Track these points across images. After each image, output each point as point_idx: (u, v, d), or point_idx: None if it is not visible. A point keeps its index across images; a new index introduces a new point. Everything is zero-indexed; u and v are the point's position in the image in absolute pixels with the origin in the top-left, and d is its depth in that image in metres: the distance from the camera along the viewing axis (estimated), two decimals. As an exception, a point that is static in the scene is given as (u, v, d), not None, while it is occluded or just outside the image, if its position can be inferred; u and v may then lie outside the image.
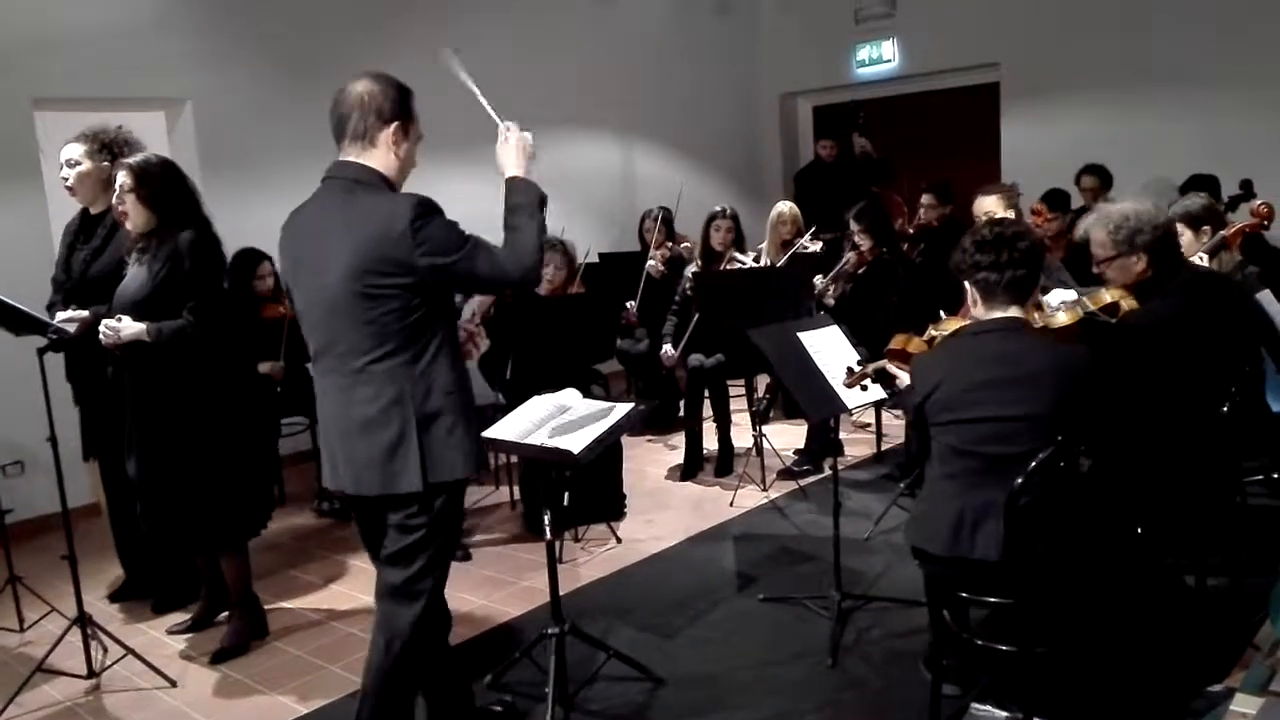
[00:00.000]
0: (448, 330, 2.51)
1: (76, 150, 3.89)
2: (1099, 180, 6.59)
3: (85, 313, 3.67)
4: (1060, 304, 3.11)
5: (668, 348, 5.57)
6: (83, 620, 3.53)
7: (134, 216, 3.47)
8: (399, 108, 2.48)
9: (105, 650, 3.60)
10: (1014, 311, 2.69)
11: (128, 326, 3.39)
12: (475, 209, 7.44)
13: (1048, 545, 2.50)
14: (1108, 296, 3.13)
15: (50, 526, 4.78)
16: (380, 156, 2.47)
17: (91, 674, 3.54)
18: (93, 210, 3.95)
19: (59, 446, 3.52)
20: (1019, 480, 2.41)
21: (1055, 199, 6.32)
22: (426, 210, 2.38)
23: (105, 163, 3.84)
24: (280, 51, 6.10)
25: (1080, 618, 2.62)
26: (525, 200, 2.53)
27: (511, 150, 2.62)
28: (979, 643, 2.65)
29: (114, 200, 3.59)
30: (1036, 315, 3.05)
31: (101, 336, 3.42)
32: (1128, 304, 3.10)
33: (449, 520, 2.56)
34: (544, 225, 2.54)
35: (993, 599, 2.62)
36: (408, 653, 2.55)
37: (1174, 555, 3.24)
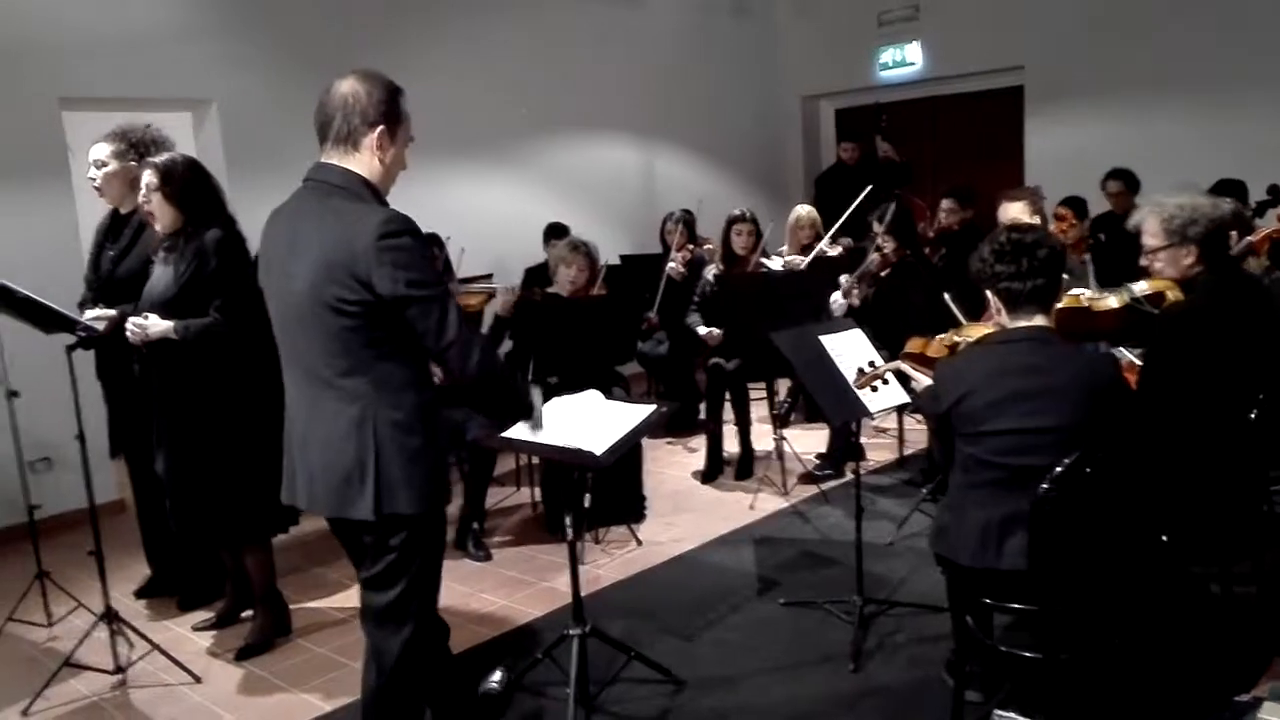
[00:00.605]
0: (419, 352, 2.34)
1: (104, 150, 3.93)
2: (1125, 185, 6.55)
3: (113, 311, 3.70)
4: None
5: (705, 329, 5.50)
6: (109, 616, 3.57)
7: (160, 216, 3.50)
8: (385, 110, 2.34)
9: (131, 646, 3.64)
10: (1039, 319, 2.67)
11: (154, 324, 3.42)
12: (489, 212, 7.45)
13: (1073, 552, 2.48)
14: (1156, 285, 3.09)
15: (76, 523, 4.82)
16: (364, 161, 2.34)
17: (118, 669, 3.57)
18: (121, 210, 3.99)
19: (86, 443, 3.55)
20: (1044, 488, 2.39)
21: (1076, 205, 6.29)
22: (397, 230, 2.22)
23: (132, 162, 3.87)
24: (305, 52, 6.14)
25: (1105, 625, 2.60)
26: (514, 398, 2.58)
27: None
28: (1003, 649, 2.63)
29: (140, 200, 3.62)
30: (1084, 297, 3.03)
31: (128, 334, 3.46)
32: (1174, 295, 3.07)
33: (426, 542, 2.44)
34: (508, 401, 2.58)
35: (1017, 606, 2.60)
36: (402, 677, 2.47)
37: (1201, 563, 3.21)
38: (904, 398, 3.49)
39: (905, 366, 3.19)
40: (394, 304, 2.23)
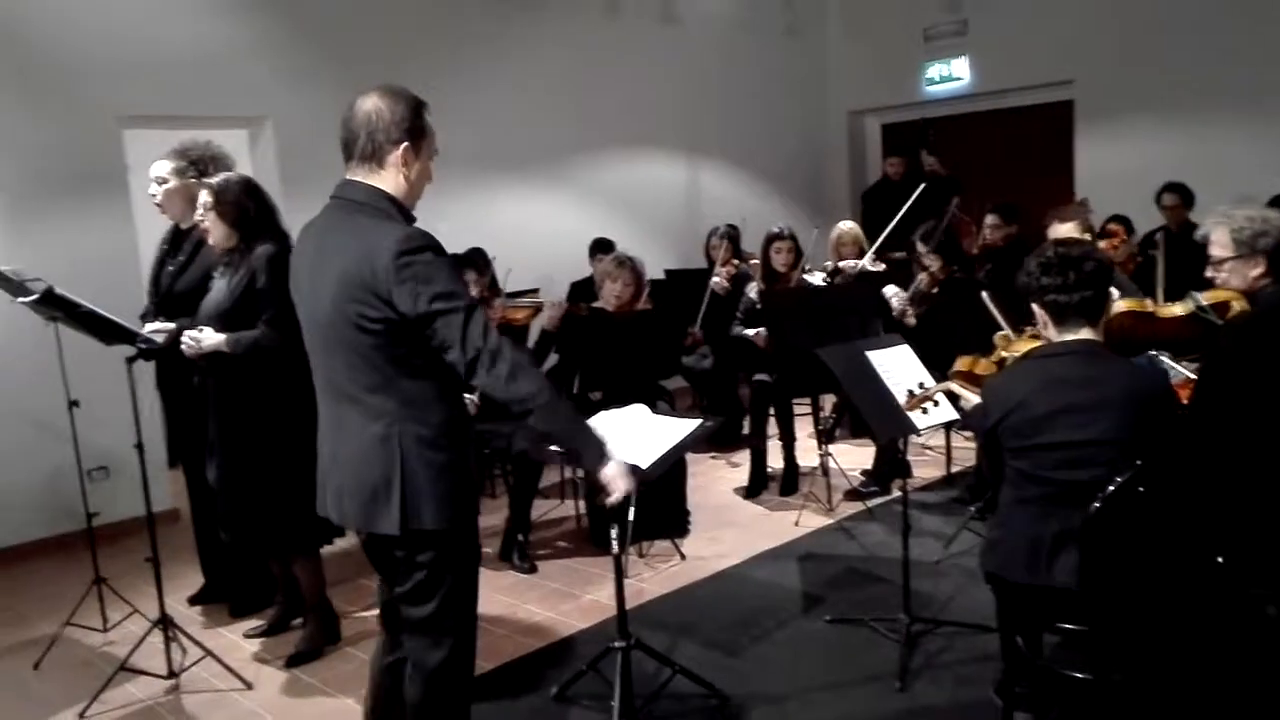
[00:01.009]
0: (445, 367, 2.30)
1: (165, 168, 4.04)
2: (1181, 199, 6.46)
3: (172, 324, 3.80)
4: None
5: (752, 330, 5.50)
6: (165, 622, 3.65)
7: (215, 233, 3.59)
8: (409, 125, 2.33)
9: (185, 651, 3.71)
10: (1086, 333, 2.65)
11: (208, 337, 3.51)
12: (536, 227, 7.51)
13: (1126, 571, 2.45)
14: (1220, 295, 3.06)
15: (130, 530, 4.95)
16: (389, 178, 2.34)
17: (171, 674, 3.65)
18: (182, 225, 4.10)
19: (145, 453, 3.64)
20: (1096, 506, 2.37)
21: (1127, 221, 6.22)
22: (416, 246, 2.21)
23: (192, 179, 3.97)
24: (359, 70, 6.23)
25: (1159, 646, 2.55)
26: (573, 432, 2.44)
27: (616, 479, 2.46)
28: (1053, 669, 2.60)
29: (196, 217, 3.72)
30: (1149, 302, 3.00)
31: (184, 347, 3.54)
32: (1239, 306, 3.03)
33: (456, 558, 2.43)
34: (550, 430, 2.42)
35: (1068, 626, 2.57)
36: (442, 692, 2.46)
37: (1258, 585, 3.14)
38: (952, 414, 3.47)
39: (955, 386, 3.17)
40: (418, 321, 2.22)
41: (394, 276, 2.18)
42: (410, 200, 2.40)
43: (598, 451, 2.42)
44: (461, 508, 2.41)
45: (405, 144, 2.33)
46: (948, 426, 4.78)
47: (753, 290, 5.69)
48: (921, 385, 3.41)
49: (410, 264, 2.19)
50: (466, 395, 2.48)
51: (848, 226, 6.14)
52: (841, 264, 5.96)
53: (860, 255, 5.91)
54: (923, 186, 6.11)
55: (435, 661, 2.43)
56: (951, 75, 8.75)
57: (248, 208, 3.57)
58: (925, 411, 3.34)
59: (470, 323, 2.22)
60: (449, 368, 2.30)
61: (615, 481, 2.43)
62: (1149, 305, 3.07)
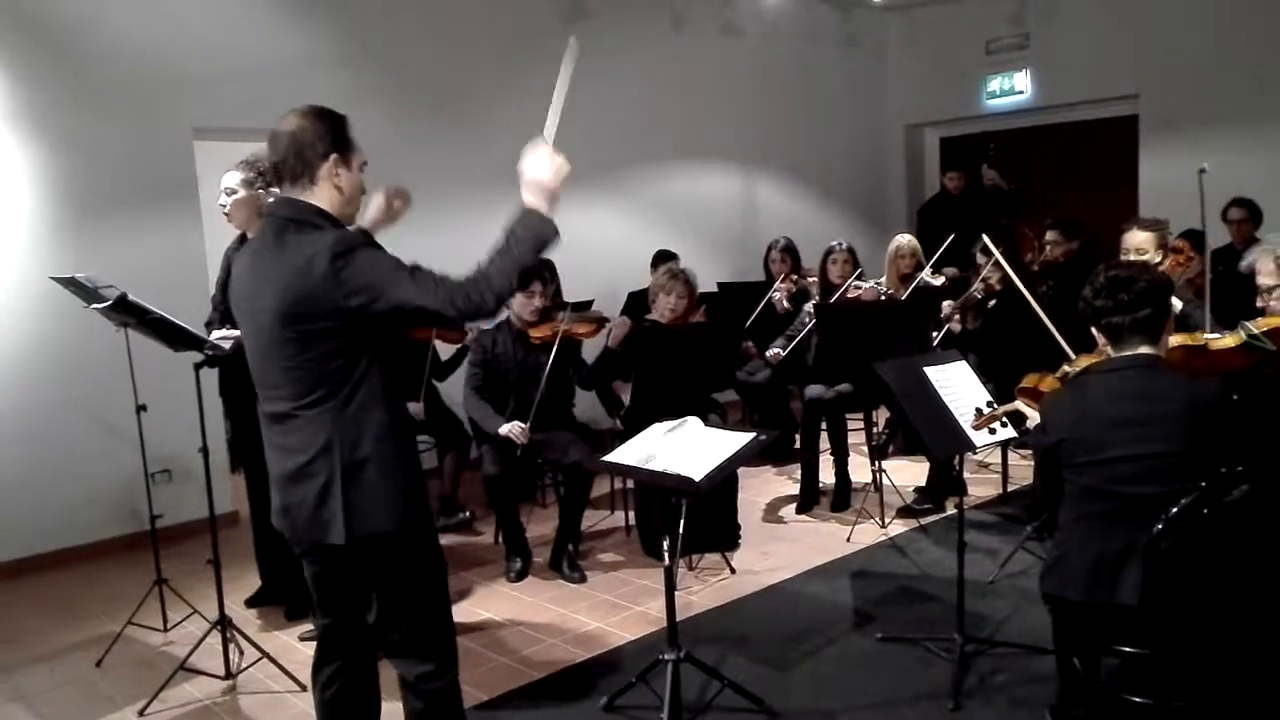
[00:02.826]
0: (384, 371, 2.36)
1: (234, 179, 4.13)
2: (1248, 213, 6.30)
3: (237, 331, 3.88)
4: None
5: (776, 350, 5.55)
6: (223, 623, 3.72)
7: None
8: (333, 139, 2.38)
9: (242, 653, 3.78)
10: (1146, 349, 2.65)
11: None
12: (594, 239, 7.51)
13: (1191, 591, 2.39)
14: (1273, 322, 3.01)
15: (192, 532, 5.07)
16: (322, 193, 2.37)
17: (229, 675, 3.72)
18: (249, 235, 4.18)
19: (209, 457, 3.73)
20: (1160, 525, 2.32)
21: (1195, 238, 6.06)
22: (347, 248, 2.24)
23: (260, 190, 4.06)
24: (423, 84, 6.38)
25: (1222, 671, 2.49)
26: (526, 236, 2.27)
27: (544, 168, 2.33)
28: (1111, 693, 2.54)
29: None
30: (1200, 334, 2.98)
31: (248, 354, 3.61)
32: None
33: (412, 566, 2.44)
34: (529, 265, 2.30)
35: (1128, 649, 2.52)
36: (446, 702, 2.57)
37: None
38: (1010, 433, 3.42)
39: (1022, 406, 3.14)
40: (377, 318, 2.24)
41: (333, 281, 2.21)
42: (345, 211, 2.42)
43: (537, 218, 2.29)
44: (411, 509, 2.40)
45: (334, 155, 2.37)
46: (1004, 444, 4.71)
47: (809, 306, 5.68)
48: (991, 404, 3.38)
49: (344, 266, 2.21)
50: (411, 404, 2.46)
51: (905, 240, 6.09)
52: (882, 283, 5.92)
53: (919, 269, 5.87)
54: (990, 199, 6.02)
55: (424, 674, 2.50)
56: (1013, 89, 8.66)
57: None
58: (993, 431, 3.31)
59: (420, 282, 2.21)
60: (390, 370, 2.36)
61: (545, 176, 2.32)
62: (1200, 338, 3.04)
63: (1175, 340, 3.16)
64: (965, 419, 3.37)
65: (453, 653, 2.57)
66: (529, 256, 2.27)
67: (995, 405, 3.34)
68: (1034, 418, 3.01)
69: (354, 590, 2.49)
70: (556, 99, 2.45)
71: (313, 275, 2.22)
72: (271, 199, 3.65)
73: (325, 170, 2.37)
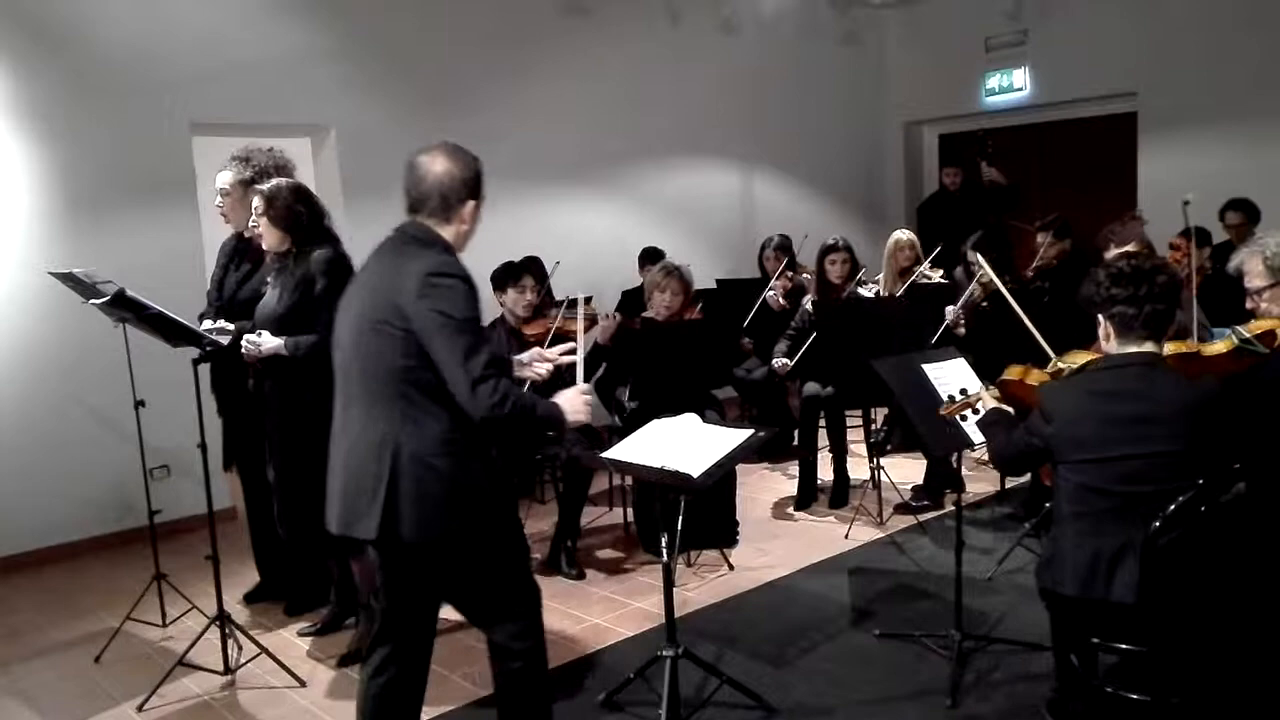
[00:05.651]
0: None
1: (227, 178, 4.14)
2: (1245, 215, 6.29)
3: (231, 325, 3.89)
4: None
5: (783, 360, 5.51)
6: (222, 619, 3.72)
7: (268, 238, 3.69)
8: (475, 185, 2.56)
9: (240, 648, 3.78)
10: (1149, 347, 2.62)
11: (267, 341, 3.59)
12: (587, 235, 7.54)
13: (1187, 589, 2.40)
14: (1264, 325, 3.01)
15: (190, 528, 5.07)
16: (451, 229, 2.55)
17: (227, 670, 3.73)
18: (246, 234, 4.19)
19: (207, 452, 3.73)
20: (1158, 522, 2.33)
21: (1198, 235, 6.05)
22: (447, 272, 2.40)
23: (251, 179, 4.06)
24: (420, 81, 6.37)
25: (1220, 668, 2.50)
26: (543, 414, 2.55)
27: (574, 404, 2.60)
28: (1108, 689, 2.55)
29: (250, 223, 3.81)
30: (1191, 342, 2.98)
31: (244, 351, 3.63)
32: None
33: (471, 558, 2.53)
34: (531, 424, 2.54)
35: (1125, 645, 2.53)
36: (538, 665, 2.65)
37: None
38: None
39: (989, 398, 3.15)
40: (424, 335, 2.36)
41: (416, 292, 2.36)
42: (461, 244, 2.58)
43: (557, 417, 2.57)
44: (446, 523, 2.44)
45: (473, 202, 2.55)
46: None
47: (808, 302, 5.66)
48: (963, 391, 3.36)
49: (436, 285, 2.37)
50: None
51: (904, 235, 6.08)
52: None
53: (917, 262, 5.86)
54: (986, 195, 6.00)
55: (515, 633, 2.59)
56: (1011, 86, 8.65)
57: (300, 213, 3.65)
58: (964, 419, 3.30)
59: (475, 350, 2.35)
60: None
61: (575, 413, 2.60)
62: (1192, 345, 3.04)
63: (1168, 349, 3.17)
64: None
65: (538, 611, 2.65)
66: (536, 420, 2.53)
67: (966, 394, 3.33)
68: (999, 408, 3.03)
69: (413, 581, 2.57)
70: (580, 352, 2.84)
71: (406, 280, 2.39)
72: (258, 194, 3.65)
73: (465, 213, 2.55)
